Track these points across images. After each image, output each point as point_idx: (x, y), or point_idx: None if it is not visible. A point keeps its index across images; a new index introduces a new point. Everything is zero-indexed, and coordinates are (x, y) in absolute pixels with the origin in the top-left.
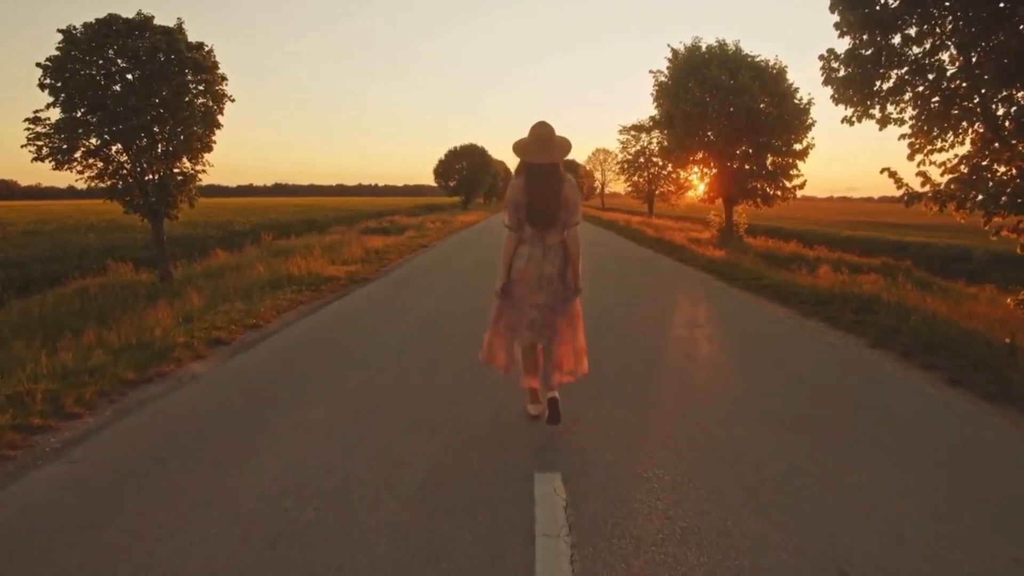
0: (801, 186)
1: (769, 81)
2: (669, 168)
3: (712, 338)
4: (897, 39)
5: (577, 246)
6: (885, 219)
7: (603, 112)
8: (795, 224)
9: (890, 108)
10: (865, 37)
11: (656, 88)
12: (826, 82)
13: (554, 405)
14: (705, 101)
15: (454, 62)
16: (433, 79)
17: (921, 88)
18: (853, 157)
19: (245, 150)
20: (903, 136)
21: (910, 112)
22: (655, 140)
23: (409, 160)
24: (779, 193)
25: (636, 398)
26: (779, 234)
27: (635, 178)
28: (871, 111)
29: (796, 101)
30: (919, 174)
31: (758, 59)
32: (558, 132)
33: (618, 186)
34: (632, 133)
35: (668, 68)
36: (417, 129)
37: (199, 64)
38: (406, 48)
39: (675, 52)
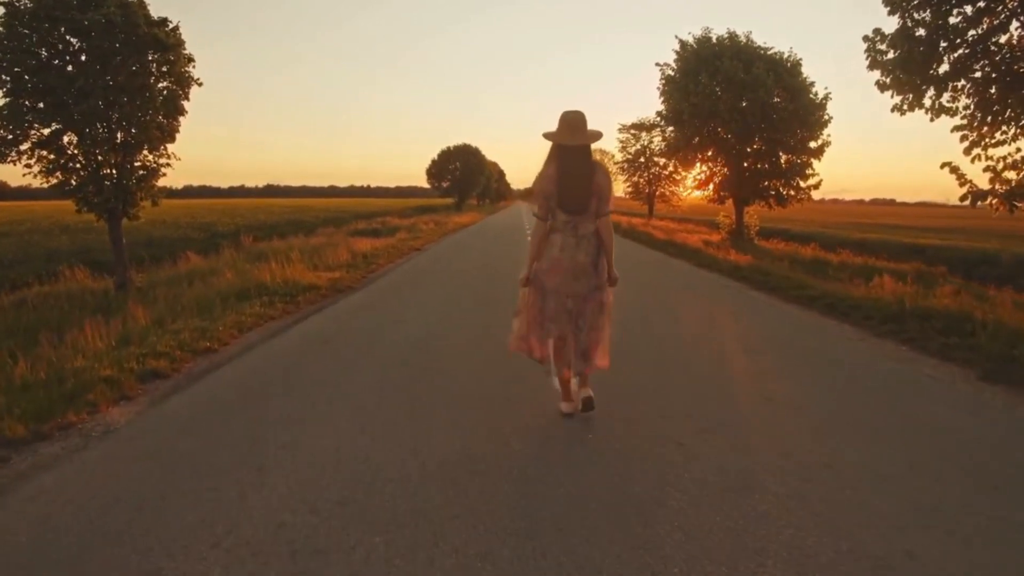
0: (816, 186)
1: (784, 74)
2: (670, 168)
3: (783, 369)
4: (954, 17)
5: (610, 235)
6: (883, 221)
7: (601, 113)
8: (800, 226)
9: (936, 96)
10: (917, 15)
11: (663, 82)
12: (872, 66)
13: (588, 403)
14: (717, 95)
15: (450, 63)
16: (429, 80)
17: (979, 73)
18: (843, 158)
19: (238, 151)
20: (956, 128)
21: (964, 101)
22: (656, 139)
23: (402, 161)
24: (792, 193)
25: (726, 476)
26: (786, 236)
27: (635, 178)
28: (924, 99)
29: (812, 96)
30: (987, 169)
31: (771, 52)
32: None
33: (615, 187)
34: (632, 132)
35: (676, 61)
36: (411, 130)
37: (161, 42)
38: (402, 49)
39: (683, 44)
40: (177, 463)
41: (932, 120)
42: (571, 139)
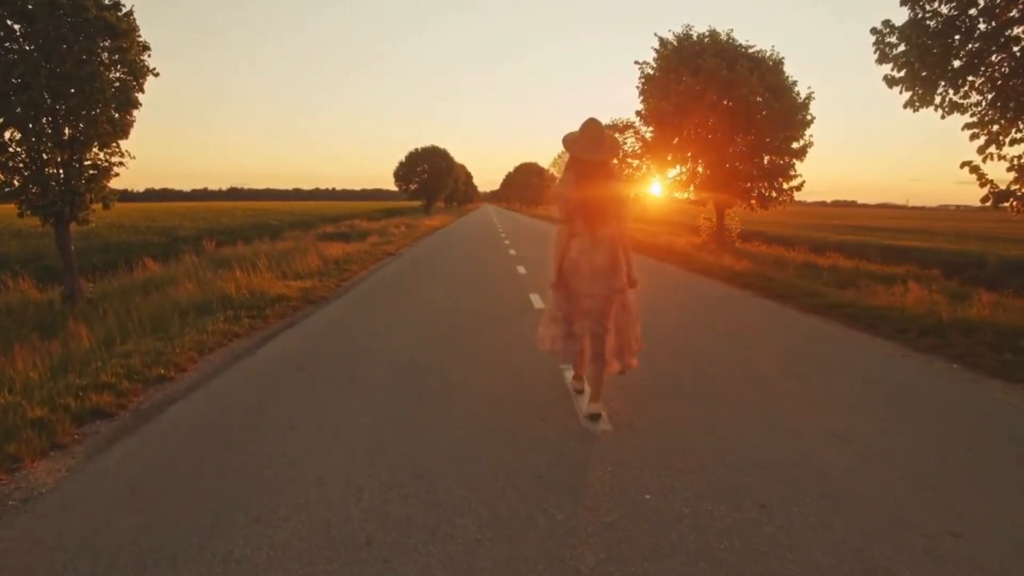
0: (799, 188)
1: (767, 73)
2: (644, 169)
3: (838, 397)
4: (974, 8)
5: (628, 238)
6: (852, 222)
7: (573, 114)
8: (774, 228)
9: (954, 92)
10: (930, 6)
11: (642, 80)
12: (881, 60)
13: (595, 418)
14: (699, 93)
15: (417, 65)
16: (395, 82)
17: (990, 68)
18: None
19: (202, 154)
20: (967, 126)
21: (974, 98)
22: (630, 139)
23: (367, 163)
24: (775, 195)
25: (842, 558)
26: (763, 239)
27: None
28: (937, 93)
29: (794, 96)
30: (1011, 168)
31: (753, 50)
32: (527, 135)
33: None
34: None
35: (656, 59)
36: (376, 132)
37: (112, 27)
38: (367, 51)
39: (663, 42)
40: (115, 552)
41: (943, 117)
42: (589, 154)
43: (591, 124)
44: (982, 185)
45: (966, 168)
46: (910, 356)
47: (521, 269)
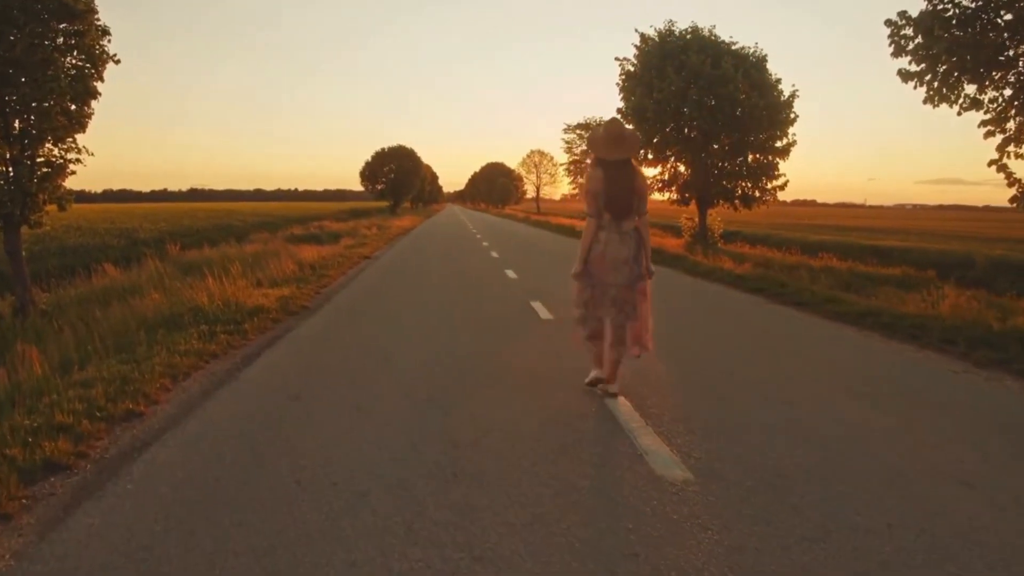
0: (783, 187)
1: (751, 70)
2: None
3: (925, 428)
4: None
5: (647, 232)
6: (821, 222)
7: (542, 114)
8: (750, 228)
9: (970, 88)
10: None
11: (623, 78)
12: (897, 53)
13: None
14: (684, 90)
15: (379, 64)
16: (356, 82)
17: (1015, 62)
18: None
19: (161, 153)
20: (983, 123)
21: (991, 94)
22: None
23: (329, 163)
24: (759, 194)
25: None
26: (742, 239)
27: (580, 179)
28: (956, 89)
29: (777, 93)
30: None
31: (736, 47)
32: (493, 137)
33: (552, 189)
34: (578, 132)
35: (636, 56)
36: (338, 132)
37: (68, 8)
38: (330, 50)
39: (644, 37)
40: None
41: (959, 114)
42: (612, 154)
43: (612, 125)
44: (1010, 185)
45: (993, 167)
46: (972, 372)
47: (511, 274)
